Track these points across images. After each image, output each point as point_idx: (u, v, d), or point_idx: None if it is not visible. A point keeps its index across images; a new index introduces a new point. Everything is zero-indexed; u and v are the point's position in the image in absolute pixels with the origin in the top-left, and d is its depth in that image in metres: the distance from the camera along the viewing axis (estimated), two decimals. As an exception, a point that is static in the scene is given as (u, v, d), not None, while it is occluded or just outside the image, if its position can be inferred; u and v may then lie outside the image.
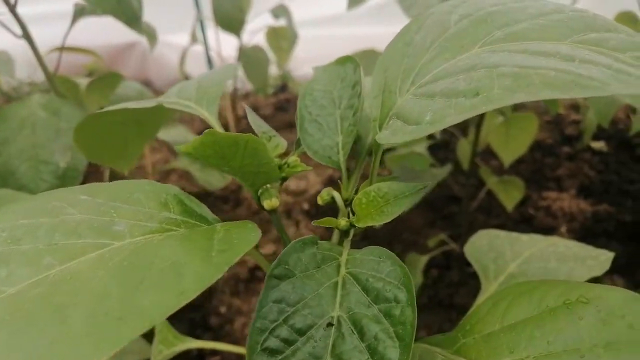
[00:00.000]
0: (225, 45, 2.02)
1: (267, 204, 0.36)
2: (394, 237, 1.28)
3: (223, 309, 1.16)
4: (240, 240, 0.25)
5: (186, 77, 2.34)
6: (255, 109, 2.07)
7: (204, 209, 0.32)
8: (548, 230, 1.24)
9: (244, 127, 1.93)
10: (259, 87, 1.67)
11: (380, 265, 0.29)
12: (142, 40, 2.30)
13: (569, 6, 0.35)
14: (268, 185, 0.37)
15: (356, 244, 1.12)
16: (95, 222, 0.28)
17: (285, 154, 0.41)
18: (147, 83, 2.50)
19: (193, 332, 1.14)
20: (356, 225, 0.33)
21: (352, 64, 0.40)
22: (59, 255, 0.25)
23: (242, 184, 0.36)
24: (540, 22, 0.33)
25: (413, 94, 0.30)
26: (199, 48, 2.20)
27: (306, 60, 2.17)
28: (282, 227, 0.38)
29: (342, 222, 0.33)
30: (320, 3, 2.21)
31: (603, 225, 1.25)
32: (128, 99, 1.28)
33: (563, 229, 1.23)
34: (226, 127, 1.92)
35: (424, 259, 1.05)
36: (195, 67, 2.29)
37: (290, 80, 2.16)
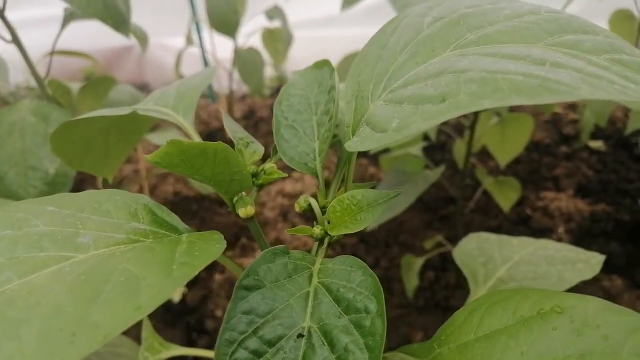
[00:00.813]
0: (221, 47, 2.02)
1: (242, 212, 0.35)
2: (391, 238, 1.27)
3: (219, 313, 1.15)
4: (202, 252, 0.24)
5: (183, 80, 2.34)
6: (252, 111, 2.07)
7: (174, 219, 0.32)
8: (545, 230, 1.23)
9: (240, 129, 1.93)
10: (255, 89, 1.67)
11: (352, 275, 0.28)
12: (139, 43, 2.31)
13: (545, 7, 0.34)
14: (243, 193, 0.36)
15: (354, 247, 1.11)
16: (60, 234, 0.28)
17: (264, 159, 0.41)
18: (144, 86, 2.50)
19: (189, 336, 1.13)
20: (330, 233, 0.32)
21: (328, 69, 0.39)
22: (18, 269, 0.25)
23: (217, 192, 0.35)
24: (514, 24, 0.32)
25: (384, 99, 0.30)
26: (195, 50, 2.19)
27: (302, 61, 2.16)
28: (260, 235, 0.38)
29: (317, 230, 0.33)
30: (315, 4, 2.20)
31: (601, 225, 1.24)
32: (121, 103, 1.27)
33: (560, 229, 1.22)
34: (222, 130, 1.92)
35: (419, 261, 1.04)
36: (192, 69, 2.28)
37: (286, 81, 2.16)
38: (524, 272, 0.53)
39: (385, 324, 0.25)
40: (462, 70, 0.27)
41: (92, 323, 0.21)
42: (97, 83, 1.26)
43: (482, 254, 0.57)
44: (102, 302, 0.22)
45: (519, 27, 0.32)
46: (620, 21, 1.48)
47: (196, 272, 0.23)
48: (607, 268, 1.15)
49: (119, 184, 1.65)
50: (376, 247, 1.24)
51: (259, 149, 0.41)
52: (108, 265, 0.24)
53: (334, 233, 0.31)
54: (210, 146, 0.30)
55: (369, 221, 0.30)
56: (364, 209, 0.30)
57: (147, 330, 0.52)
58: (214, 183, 0.34)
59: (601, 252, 1.22)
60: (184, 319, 1.16)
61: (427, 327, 1.06)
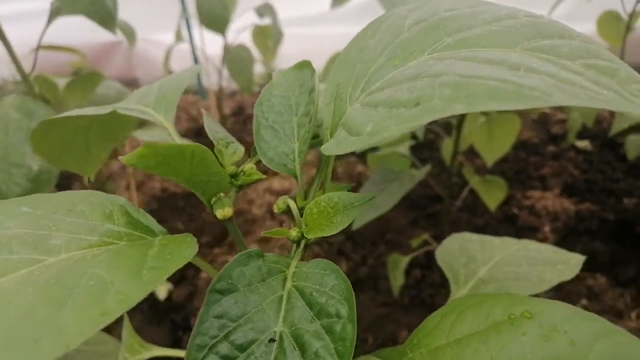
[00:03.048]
0: (211, 43, 2.01)
1: (220, 213, 0.35)
2: (378, 236, 1.27)
3: (205, 311, 1.15)
4: (174, 256, 0.24)
5: (173, 76, 2.33)
6: (241, 107, 2.06)
7: (150, 220, 0.31)
8: (531, 229, 1.24)
9: (229, 126, 1.92)
10: (244, 86, 1.66)
11: (325, 279, 0.28)
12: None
13: (524, 11, 0.34)
14: (222, 194, 0.36)
15: (341, 245, 1.11)
16: (32, 236, 0.27)
17: (245, 160, 0.41)
18: (133, 81, 2.48)
19: (174, 333, 1.13)
20: (306, 236, 0.32)
21: (309, 70, 0.39)
22: (-12, 272, 0.25)
23: (195, 193, 0.35)
24: (492, 29, 0.32)
25: (361, 102, 0.30)
26: (186, 46, 2.18)
27: (293, 58, 2.16)
28: (239, 236, 0.38)
29: (293, 232, 0.33)
30: (306, 1, 2.20)
31: (586, 224, 1.25)
32: (108, 99, 1.26)
33: (546, 228, 1.23)
34: (212, 127, 1.90)
35: (405, 260, 1.04)
36: (182, 65, 2.27)
37: (277, 78, 2.14)
38: (505, 272, 0.53)
39: (356, 329, 0.25)
40: (437, 74, 0.27)
41: (58, 329, 0.20)
42: (84, 79, 1.25)
43: (464, 254, 0.57)
44: (70, 306, 0.21)
45: (497, 32, 0.32)
46: (608, 22, 1.49)
47: (166, 277, 0.23)
48: (591, 266, 1.16)
49: (106, 180, 1.64)
50: (363, 246, 1.25)
51: (239, 149, 0.40)
52: (78, 269, 0.24)
53: (310, 236, 0.31)
54: (187, 148, 0.30)
55: (345, 224, 0.30)
56: (340, 212, 0.30)
57: (127, 331, 0.52)
58: (191, 184, 0.34)
59: (585, 250, 1.23)
60: (169, 316, 1.15)
61: (412, 325, 1.07)
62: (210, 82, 2.04)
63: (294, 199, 0.36)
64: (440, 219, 1.27)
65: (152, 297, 1.20)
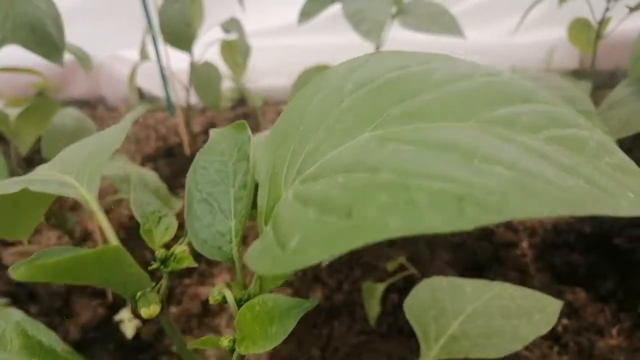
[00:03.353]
0: (179, 58, 1.95)
1: (145, 312, 0.30)
2: (354, 260, 1.23)
3: (175, 349, 1.10)
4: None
5: (140, 93, 2.26)
6: (212, 124, 2.01)
7: (52, 339, 0.27)
8: (509, 245, 1.21)
9: (199, 145, 1.86)
10: (211, 105, 1.61)
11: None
12: (95, 55, 2.19)
13: (482, 69, 0.30)
14: (148, 289, 0.31)
15: (317, 270, 1.06)
16: None
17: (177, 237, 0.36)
18: (100, 100, 2.40)
19: (144, 375, 1.07)
20: (237, 349, 0.27)
21: (246, 133, 0.35)
22: None
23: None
24: (446, 93, 0.28)
25: (294, 192, 0.25)
26: (154, 63, 2.11)
27: (263, 71, 2.11)
28: (174, 334, 0.33)
29: (225, 342, 0.28)
30: (276, 12, 2.15)
31: (563, 237, 1.23)
32: (65, 129, 1.20)
33: (524, 244, 1.21)
34: (180, 146, 1.85)
35: (380, 287, 1.01)
36: (149, 82, 2.21)
37: (247, 93, 2.09)
38: (478, 327, 0.49)
39: None
40: (376, 169, 0.22)
41: None
42: (38, 108, 1.19)
43: (434, 305, 0.53)
44: None
45: (450, 98, 0.27)
46: (578, 29, 1.48)
47: None
48: (570, 280, 1.14)
49: (69, 210, 1.57)
50: (339, 270, 1.20)
51: (171, 225, 0.36)
52: None
53: (242, 351, 0.27)
54: (90, 255, 0.25)
55: (281, 337, 0.25)
56: (276, 320, 0.26)
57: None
58: (108, 286, 0.29)
59: (564, 263, 1.20)
60: (138, 357, 1.09)
61: (391, 354, 1.03)
62: (179, 98, 1.98)
63: (231, 287, 0.32)
64: (417, 239, 1.24)
65: (119, 336, 1.14)
